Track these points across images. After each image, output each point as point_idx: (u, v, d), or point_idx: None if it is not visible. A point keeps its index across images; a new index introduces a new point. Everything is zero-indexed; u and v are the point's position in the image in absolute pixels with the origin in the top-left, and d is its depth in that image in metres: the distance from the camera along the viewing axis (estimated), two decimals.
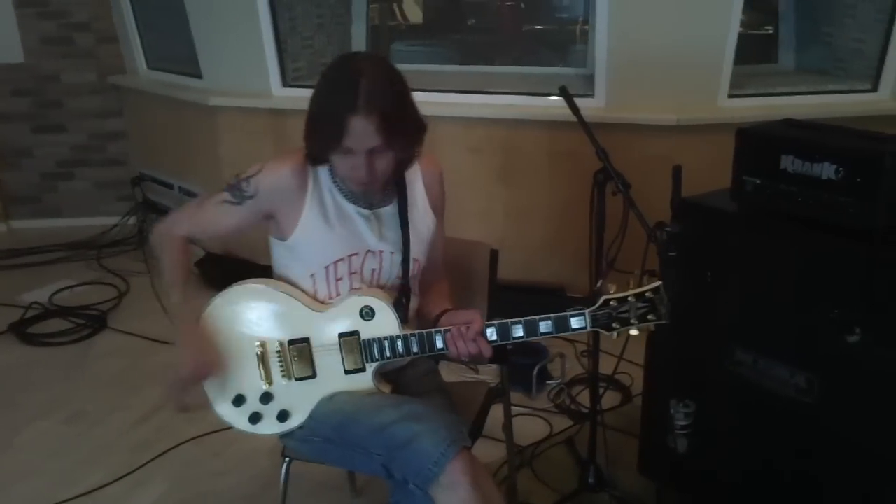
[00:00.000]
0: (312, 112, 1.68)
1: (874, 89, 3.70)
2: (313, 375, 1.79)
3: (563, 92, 2.12)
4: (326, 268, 1.79)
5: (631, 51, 3.42)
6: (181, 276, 1.82)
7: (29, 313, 3.84)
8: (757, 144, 1.99)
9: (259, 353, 1.78)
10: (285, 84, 4.11)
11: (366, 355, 1.77)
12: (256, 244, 1.98)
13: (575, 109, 2.07)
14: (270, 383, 1.80)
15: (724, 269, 2.02)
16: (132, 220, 4.92)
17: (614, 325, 1.68)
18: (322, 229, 1.77)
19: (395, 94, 1.65)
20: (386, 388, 1.82)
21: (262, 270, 1.91)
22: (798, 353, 1.89)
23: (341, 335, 1.77)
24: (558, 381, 3.13)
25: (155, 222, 1.90)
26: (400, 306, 1.81)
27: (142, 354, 3.46)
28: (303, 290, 1.81)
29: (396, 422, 1.63)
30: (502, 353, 1.79)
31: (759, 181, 1.96)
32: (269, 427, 1.82)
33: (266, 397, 1.80)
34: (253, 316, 1.80)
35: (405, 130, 1.67)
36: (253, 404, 1.81)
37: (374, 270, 1.83)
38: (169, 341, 3.21)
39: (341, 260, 1.79)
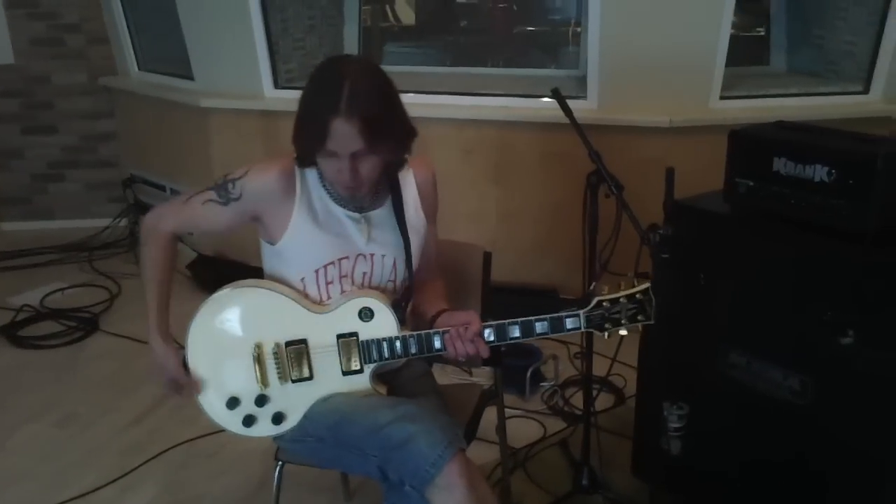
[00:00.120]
0: (299, 113, 1.68)
1: (865, 91, 3.72)
2: (310, 377, 1.78)
3: (555, 94, 2.12)
4: (316, 271, 1.79)
5: (623, 52, 3.43)
6: (157, 275, 1.83)
7: (20, 316, 3.83)
8: (749, 147, 2.00)
9: (255, 354, 1.77)
10: (277, 86, 4.10)
11: (364, 356, 1.77)
12: (248, 246, 1.97)
13: (568, 112, 2.07)
14: (266, 385, 1.78)
15: (718, 271, 2.02)
16: (124, 221, 4.90)
17: (606, 325, 1.71)
18: (311, 233, 1.77)
19: (380, 97, 1.64)
20: (382, 390, 1.81)
21: (254, 272, 1.89)
22: (792, 356, 1.89)
23: (339, 336, 1.77)
24: (552, 383, 3.13)
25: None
26: (399, 307, 1.80)
27: (133, 357, 3.44)
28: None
29: (392, 423, 1.63)
30: (495, 355, 1.79)
31: (751, 183, 1.97)
32: (264, 430, 1.81)
33: (261, 399, 1.79)
34: (248, 317, 1.79)
35: (391, 134, 1.67)
36: (247, 407, 1.79)
37: (364, 274, 1.83)
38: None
39: (331, 263, 1.79)
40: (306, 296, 1.80)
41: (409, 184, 1.87)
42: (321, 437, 1.76)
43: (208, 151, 4.21)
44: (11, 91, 4.95)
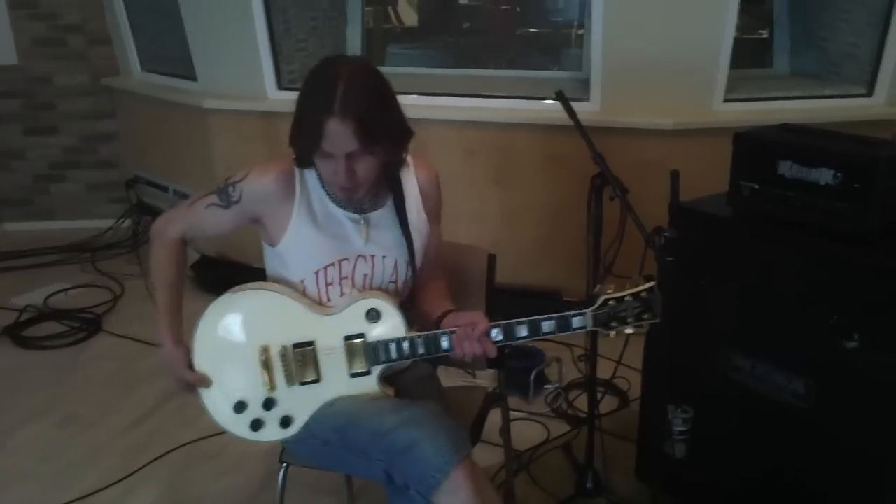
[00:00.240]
0: (295, 114, 1.68)
1: (869, 94, 3.70)
2: (318, 379, 1.78)
3: (559, 96, 2.11)
4: (316, 273, 1.78)
5: (626, 55, 3.42)
6: (167, 279, 1.85)
7: (23, 316, 3.83)
8: (754, 149, 1.99)
9: (262, 358, 1.76)
10: (280, 87, 4.10)
11: (371, 358, 1.76)
12: (250, 248, 1.97)
13: (572, 114, 2.07)
14: (273, 388, 1.77)
15: (722, 274, 2.02)
16: (127, 222, 4.90)
17: (612, 323, 1.69)
18: (311, 235, 1.76)
19: (375, 98, 1.64)
20: (390, 391, 1.81)
21: (256, 273, 1.89)
22: (796, 359, 1.89)
23: (347, 338, 1.76)
24: (555, 386, 3.13)
25: (150, 223, 1.92)
26: (405, 308, 1.80)
27: (136, 358, 3.44)
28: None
29: (397, 427, 1.62)
30: (500, 357, 1.78)
31: (756, 186, 1.97)
32: (272, 434, 1.80)
33: (269, 403, 1.78)
34: (253, 321, 1.79)
35: (386, 135, 1.66)
36: (255, 411, 1.79)
37: (365, 275, 1.82)
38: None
39: (331, 265, 1.79)
40: (309, 298, 1.80)
41: (410, 184, 1.87)
42: (327, 440, 1.75)
43: (210, 153, 4.21)
44: (13, 91, 4.95)
